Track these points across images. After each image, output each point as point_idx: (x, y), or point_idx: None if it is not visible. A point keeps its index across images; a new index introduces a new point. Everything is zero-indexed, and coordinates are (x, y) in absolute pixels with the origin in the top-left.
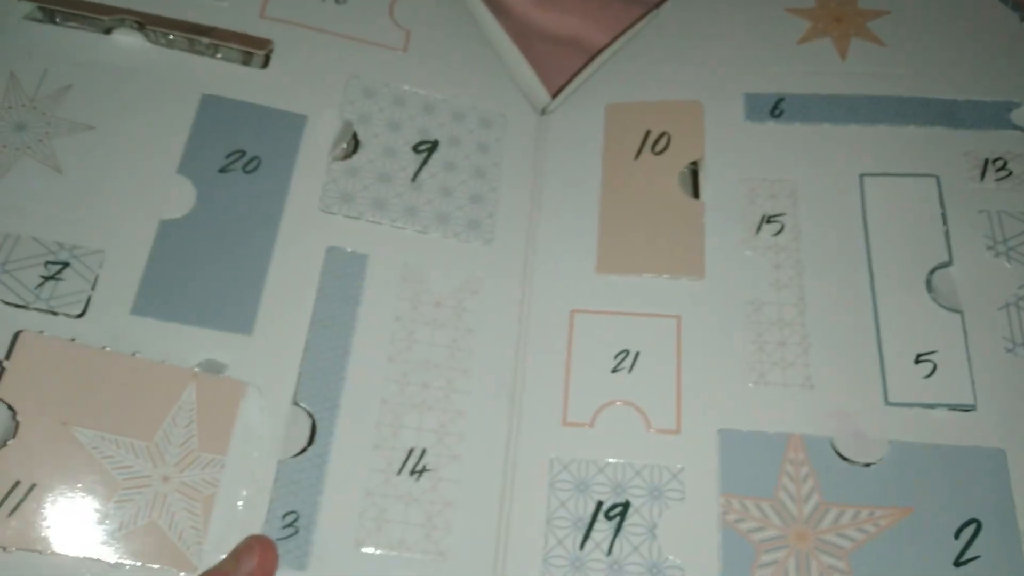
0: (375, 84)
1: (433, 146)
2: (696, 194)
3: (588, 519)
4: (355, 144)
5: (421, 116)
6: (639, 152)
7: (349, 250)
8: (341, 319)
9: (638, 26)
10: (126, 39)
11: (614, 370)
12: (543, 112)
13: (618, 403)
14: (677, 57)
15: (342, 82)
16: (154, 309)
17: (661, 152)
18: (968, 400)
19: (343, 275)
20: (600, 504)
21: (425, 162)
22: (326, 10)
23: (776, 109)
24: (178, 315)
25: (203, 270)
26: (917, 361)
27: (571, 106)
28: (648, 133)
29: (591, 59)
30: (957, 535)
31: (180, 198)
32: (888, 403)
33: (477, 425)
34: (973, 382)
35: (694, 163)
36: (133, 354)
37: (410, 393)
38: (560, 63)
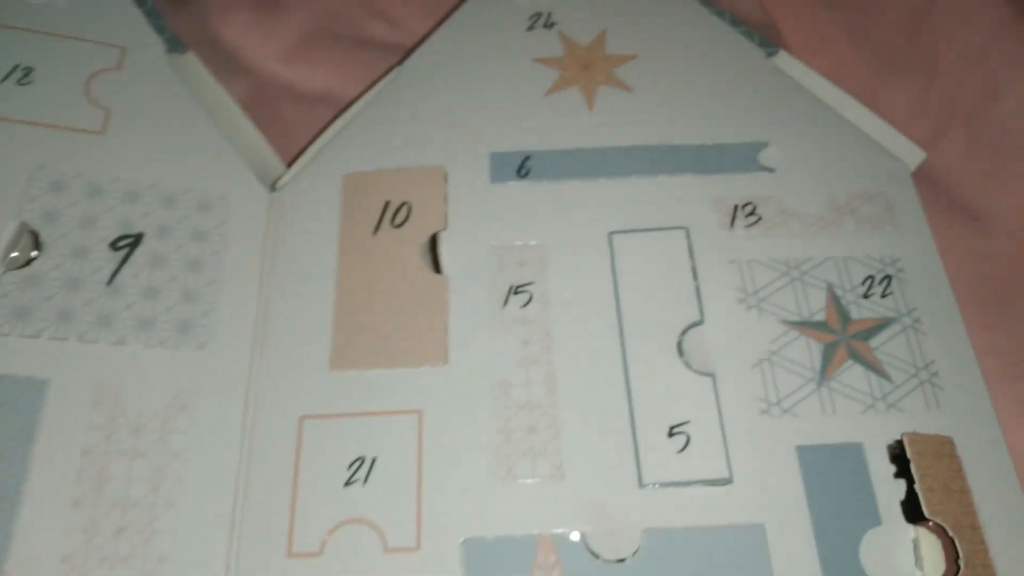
0: (65, 174)
1: (136, 240)
2: (439, 269)
3: None
4: (36, 248)
5: (122, 206)
6: (378, 226)
7: (23, 376)
8: (8, 463)
9: (381, 83)
10: None
11: (347, 483)
12: (273, 188)
13: (351, 523)
14: (419, 118)
15: (24, 176)
16: None
17: (401, 224)
18: (723, 473)
19: (15, 408)
20: None
21: (125, 260)
22: (6, 94)
23: (523, 168)
24: None
25: None
26: (670, 435)
27: (305, 179)
28: (387, 204)
29: (338, 114)
30: None
31: None
32: (642, 486)
33: (183, 573)
34: (727, 452)
35: (436, 235)
36: None
37: (99, 544)
38: (306, 124)
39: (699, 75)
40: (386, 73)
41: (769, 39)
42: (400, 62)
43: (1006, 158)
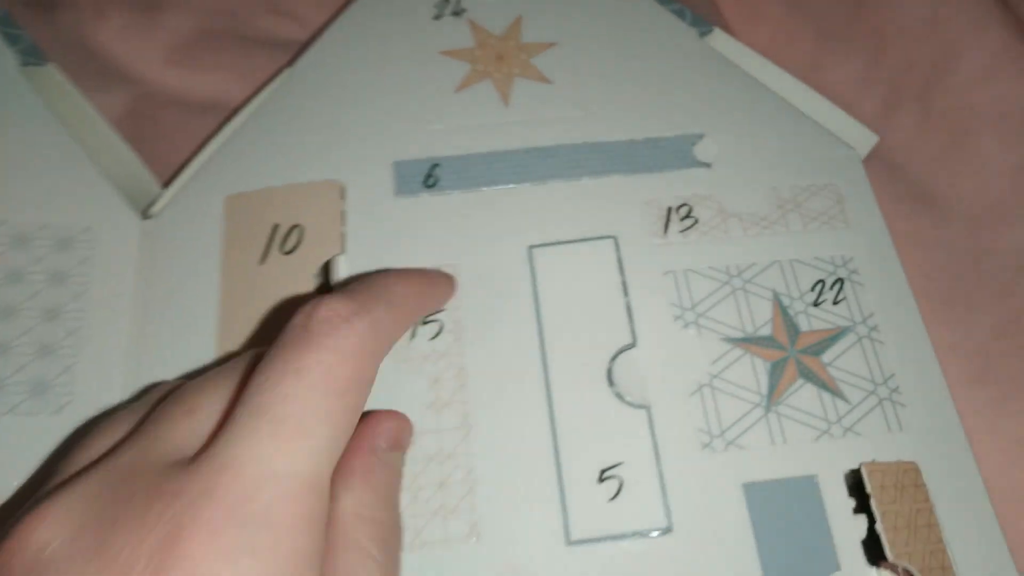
0: None
1: None
2: None
3: None
4: None
5: None
6: (265, 254)
7: None
8: None
9: (269, 88)
10: None
11: None
12: (146, 215)
13: None
14: (312, 126)
15: None
16: None
17: (292, 250)
18: (661, 522)
19: None
20: None
21: None
22: None
23: (430, 177)
24: None
25: None
26: (601, 479)
27: (182, 203)
28: (276, 228)
29: (220, 126)
30: None
31: None
32: (570, 543)
33: None
34: (665, 496)
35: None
36: None
37: None
38: (194, 137)
39: (626, 62)
40: (274, 76)
41: (702, 17)
42: (290, 62)
43: (964, 133)
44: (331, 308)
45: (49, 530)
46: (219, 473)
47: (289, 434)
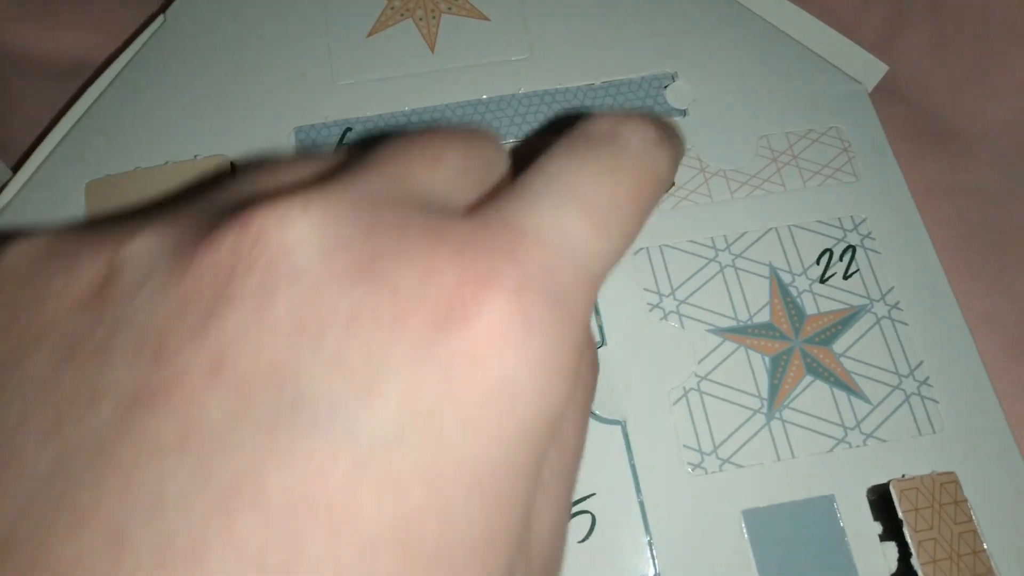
0: None
1: None
2: None
3: None
4: None
5: None
6: None
7: None
8: None
9: (139, 42)
10: None
11: None
12: None
13: None
14: (192, 89)
15: None
16: None
17: None
18: (643, 569)
19: None
20: None
21: None
22: None
23: (342, 146)
24: None
25: None
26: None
27: (36, 190)
28: None
29: (80, 91)
30: None
31: None
32: None
33: None
34: (649, 534)
35: None
36: None
37: None
38: (50, 108)
39: None
40: (144, 26)
41: None
42: (164, 8)
43: (988, 52)
44: (647, 129)
45: (296, 231)
46: (518, 235)
47: (596, 227)
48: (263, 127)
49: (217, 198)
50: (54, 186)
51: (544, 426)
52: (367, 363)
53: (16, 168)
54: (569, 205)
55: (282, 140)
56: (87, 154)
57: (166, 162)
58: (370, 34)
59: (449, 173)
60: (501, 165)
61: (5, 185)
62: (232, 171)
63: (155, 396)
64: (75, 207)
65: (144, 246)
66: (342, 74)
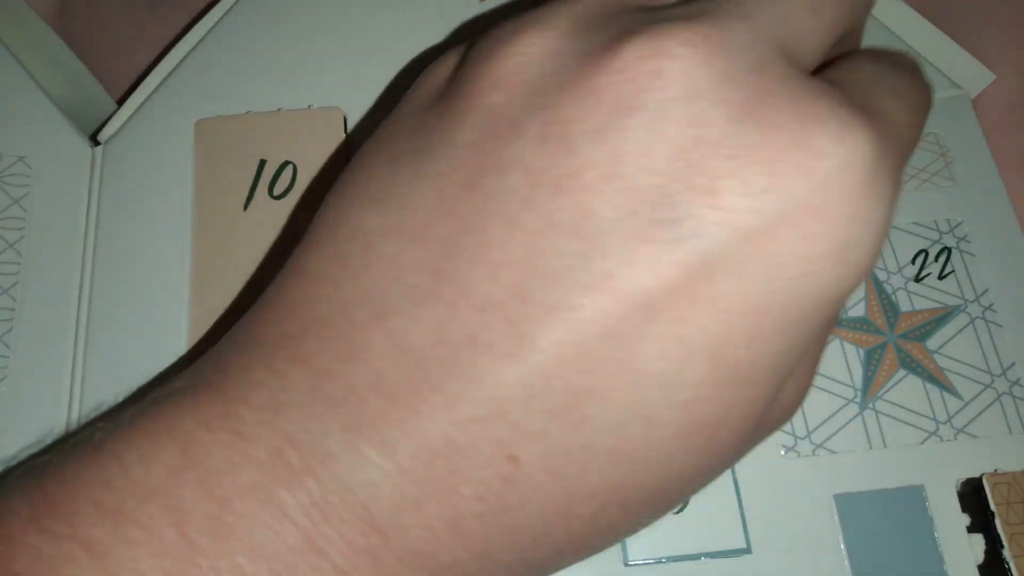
0: None
1: None
2: None
3: None
4: None
5: None
6: (250, 197)
7: None
8: None
9: None
10: None
11: None
12: (96, 140)
13: None
14: (305, 37)
15: None
16: None
17: (283, 195)
18: (737, 541)
19: None
20: None
21: None
22: None
23: None
24: None
25: None
26: None
27: (142, 125)
28: (263, 165)
29: (190, 24)
30: None
31: None
32: (627, 564)
33: None
34: (742, 510)
35: None
36: None
37: None
38: (144, 39)
39: None
40: None
41: None
42: None
43: None
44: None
45: (695, 60)
46: (872, 111)
47: (909, 126)
48: (376, 83)
49: (618, 17)
50: (163, 122)
51: (851, 288)
52: (737, 196)
53: (121, 101)
54: (897, 100)
55: (393, 99)
56: (197, 92)
57: (279, 108)
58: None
59: (824, 24)
60: (857, 32)
61: (108, 121)
62: (344, 127)
63: (558, 181)
64: (184, 146)
65: (555, 45)
66: (457, 30)
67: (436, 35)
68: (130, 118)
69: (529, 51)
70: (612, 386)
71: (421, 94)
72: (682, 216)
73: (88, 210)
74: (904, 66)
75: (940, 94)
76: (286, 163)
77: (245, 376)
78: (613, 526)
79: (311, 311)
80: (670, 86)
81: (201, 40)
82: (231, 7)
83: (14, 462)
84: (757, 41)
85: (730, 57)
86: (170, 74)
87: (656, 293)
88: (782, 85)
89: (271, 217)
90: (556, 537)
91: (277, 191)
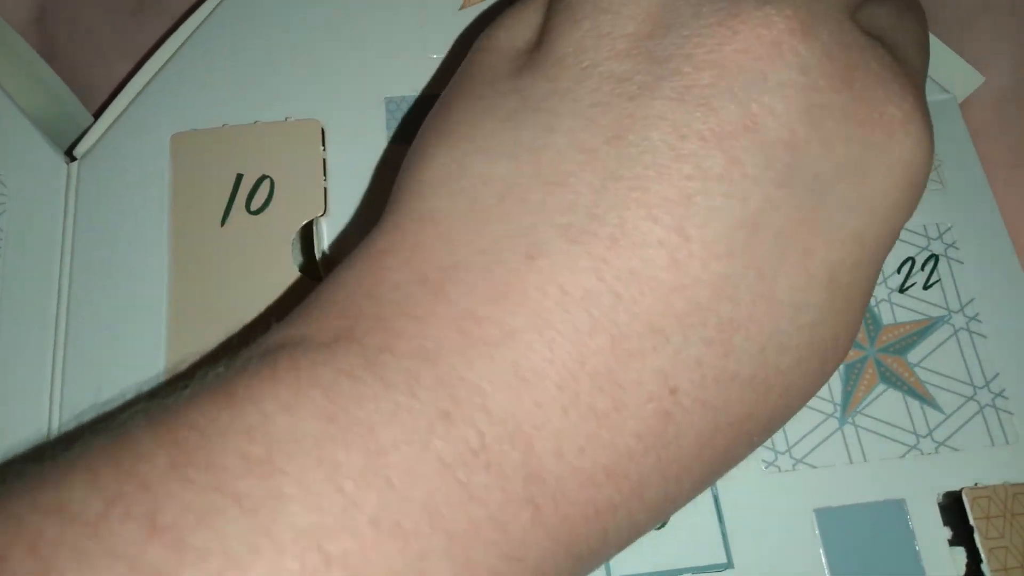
0: None
1: None
2: (317, 273)
3: None
4: None
5: None
6: (227, 212)
7: None
8: None
9: None
10: None
11: None
12: (72, 155)
13: None
14: (282, 47)
15: None
16: None
17: (260, 210)
18: (717, 556)
19: None
20: None
21: None
22: None
23: None
24: None
25: None
26: None
27: (119, 139)
28: (240, 180)
29: (166, 35)
30: None
31: None
32: None
33: None
34: (723, 524)
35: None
36: None
37: None
38: (124, 52)
39: None
40: None
41: None
42: None
43: None
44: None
45: (807, 34)
46: (913, 73)
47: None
48: (354, 95)
49: None
50: (138, 136)
51: (905, 221)
52: (843, 146)
53: (98, 113)
54: (919, 51)
55: (372, 110)
56: (172, 105)
57: (255, 121)
58: (463, 6)
59: (890, 9)
60: None
61: (84, 135)
62: (322, 139)
63: (703, 135)
64: (160, 160)
65: (688, 8)
66: (435, 46)
67: (416, 44)
68: (105, 132)
69: (635, 12)
70: (754, 316)
71: (506, 53)
72: (820, 183)
73: (64, 226)
74: (915, 11)
75: (928, 98)
76: (263, 177)
77: (381, 324)
78: (737, 457)
79: (449, 255)
80: (789, 58)
81: (176, 52)
82: (204, 19)
83: None
84: (833, 10)
85: (830, 35)
86: (145, 87)
87: (788, 229)
88: (863, 55)
89: (248, 232)
90: (694, 473)
91: (254, 207)
